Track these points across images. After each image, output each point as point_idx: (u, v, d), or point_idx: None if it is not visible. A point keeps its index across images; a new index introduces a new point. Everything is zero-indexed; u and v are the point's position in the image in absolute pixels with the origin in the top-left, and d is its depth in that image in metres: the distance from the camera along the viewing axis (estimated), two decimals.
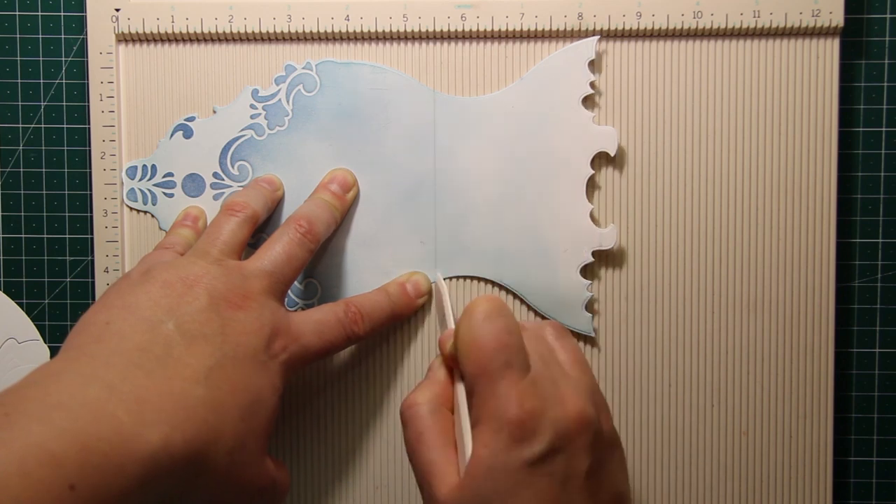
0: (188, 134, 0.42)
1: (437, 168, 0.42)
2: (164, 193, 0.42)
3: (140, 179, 0.42)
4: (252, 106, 0.42)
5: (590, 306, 0.42)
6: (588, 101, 0.41)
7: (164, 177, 0.42)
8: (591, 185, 0.42)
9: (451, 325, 0.37)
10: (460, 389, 0.33)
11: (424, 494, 0.33)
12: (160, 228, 0.42)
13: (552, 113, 0.41)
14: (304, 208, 0.40)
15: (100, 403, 0.30)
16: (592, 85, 0.41)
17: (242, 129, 0.42)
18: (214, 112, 0.42)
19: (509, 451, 0.30)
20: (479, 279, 0.42)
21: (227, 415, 0.32)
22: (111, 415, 0.29)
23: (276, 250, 0.37)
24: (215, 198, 0.42)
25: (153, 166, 0.42)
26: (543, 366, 0.32)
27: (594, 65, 0.41)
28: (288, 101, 0.42)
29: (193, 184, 0.42)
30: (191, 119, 0.42)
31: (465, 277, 0.42)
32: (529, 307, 0.42)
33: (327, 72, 0.42)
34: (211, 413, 0.32)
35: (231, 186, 0.42)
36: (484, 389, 0.31)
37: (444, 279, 0.42)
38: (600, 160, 0.42)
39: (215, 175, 0.42)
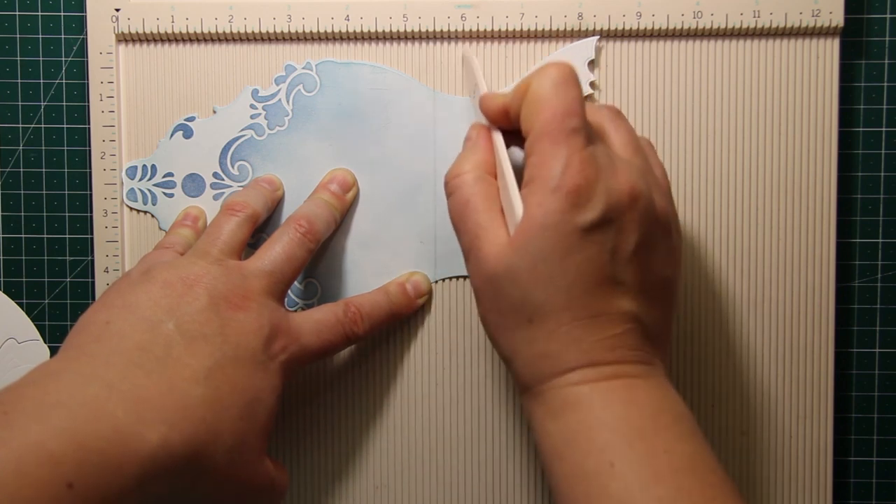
0: (188, 134, 0.42)
1: (437, 168, 0.42)
2: (164, 193, 0.42)
3: (140, 179, 0.42)
4: (252, 106, 0.42)
5: None
6: (588, 101, 0.41)
7: (164, 177, 0.42)
8: None
9: (484, 89, 0.36)
10: (503, 152, 0.33)
11: (471, 259, 0.33)
12: (160, 228, 0.42)
13: None
14: (303, 208, 0.40)
15: (99, 402, 0.30)
16: (592, 85, 0.41)
17: (242, 129, 0.42)
18: (214, 112, 0.42)
19: (563, 214, 0.31)
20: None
21: (226, 414, 0.32)
22: (110, 414, 0.29)
23: (276, 250, 0.37)
24: (215, 198, 0.42)
25: (153, 166, 0.42)
26: (601, 143, 0.33)
27: (594, 64, 0.41)
28: (288, 101, 0.42)
29: (193, 184, 0.42)
30: (191, 119, 0.42)
31: (464, 277, 0.42)
32: None
33: (327, 72, 0.42)
34: (210, 413, 0.32)
35: (231, 186, 0.42)
36: (546, 150, 0.31)
37: (444, 280, 0.42)
38: None
39: (215, 175, 0.42)
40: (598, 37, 0.41)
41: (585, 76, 0.41)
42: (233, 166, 0.42)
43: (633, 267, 0.32)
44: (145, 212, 0.42)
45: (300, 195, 0.41)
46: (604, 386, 0.31)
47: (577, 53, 0.41)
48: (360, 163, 0.42)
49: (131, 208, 0.42)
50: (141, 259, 0.38)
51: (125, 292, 0.34)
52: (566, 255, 0.31)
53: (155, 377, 0.31)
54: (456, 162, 0.35)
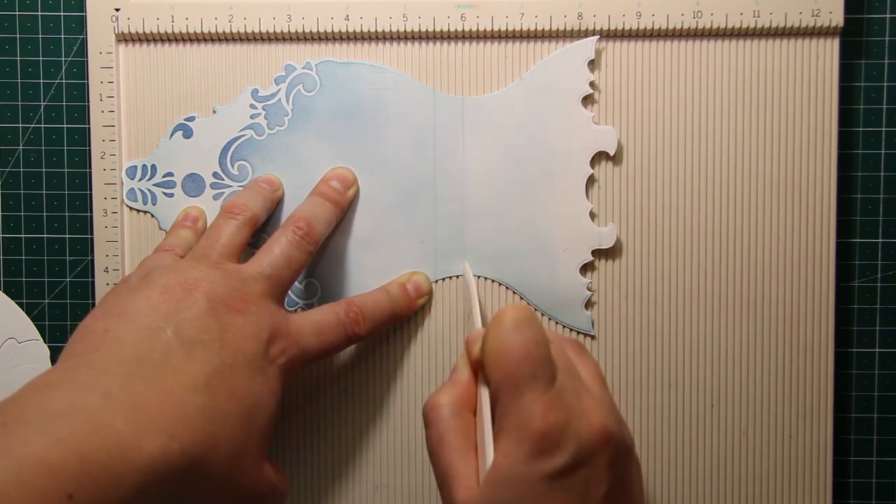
0: (188, 134, 0.42)
1: (437, 168, 0.42)
2: (164, 193, 0.42)
3: (140, 179, 0.42)
4: (252, 106, 0.42)
5: (589, 305, 0.42)
6: (588, 101, 0.41)
7: (163, 177, 0.42)
8: (591, 185, 0.42)
9: (478, 322, 0.36)
10: (484, 395, 0.33)
11: (444, 497, 0.33)
12: (160, 228, 0.42)
13: (552, 112, 0.41)
14: (303, 208, 0.39)
15: (99, 413, 0.30)
16: (592, 84, 0.41)
17: (242, 129, 0.42)
18: (214, 112, 0.42)
19: (531, 463, 0.30)
20: (480, 277, 0.42)
21: (225, 422, 0.32)
22: (110, 425, 0.29)
23: (275, 253, 0.37)
24: (215, 198, 0.42)
25: (153, 166, 0.42)
26: (568, 379, 0.32)
27: (594, 64, 0.41)
28: (288, 101, 0.42)
29: (193, 184, 0.42)
30: (191, 119, 0.42)
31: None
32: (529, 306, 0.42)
33: (327, 72, 0.42)
34: (209, 421, 0.32)
35: (231, 186, 0.42)
36: (509, 399, 0.31)
37: (444, 279, 0.42)
38: (600, 159, 0.42)
39: (215, 175, 0.42)
40: (597, 37, 0.41)
41: (585, 76, 0.41)
42: (233, 166, 0.42)
43: None
44: (145, 212, 0.42)
45: (300, 195, 0.41)
46: None
47: (576, 53, 0.41)
48: (360, 163, 0.42)
49: (131, 208, 0.42)
50: (140, 262, 0.38)
51: (124, 299, 0.34)
52: None
53: (154, 386, 0.31)
54: (437, 392, 0.34)
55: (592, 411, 0.31)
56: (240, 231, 0.38)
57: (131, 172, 0.42)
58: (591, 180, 0.42)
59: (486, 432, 0.32)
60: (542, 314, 0.42)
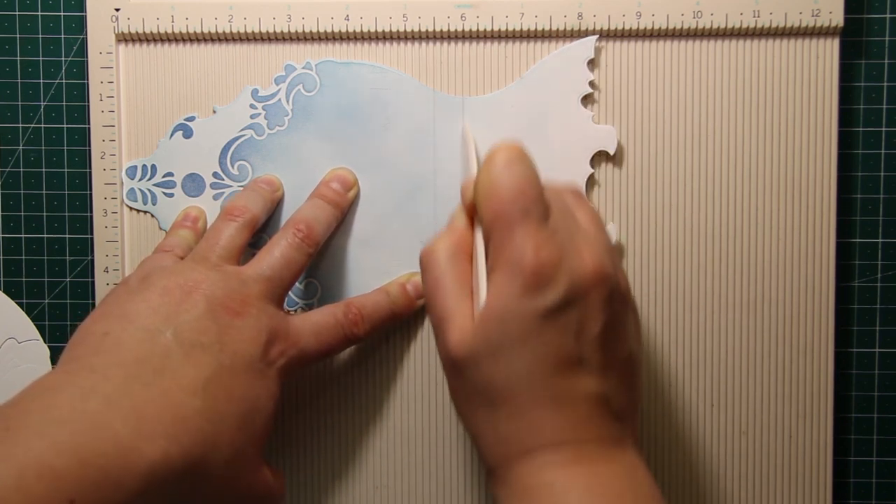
0: (188, 134, 0.42)
1: (437, 168, 0.42)
2: (164, 193, 0.42)
3: (140, 179, 0.42)
4: (252, 106, 0.42)
5: None
6: (587, 101, 0.41)
7: (163, 177, 0.42)
8: (591, 184, 0.42)
9: (473, 169, 0.36)
10: (478, 237, 0.33)
11: (438, 340, 0.33)
12: (160, 228, 0.42)
13: (551, 112, 0.41)
14: (303, 210, 0.39)
15: (99, 417, 0.30)
16: (592, 84, 0.41)
17: (242, 129, 0.42)
18: (214, 112, 0.42)
19: (522, 299, 0.30)
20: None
21: (224, 425, 0.32)
22: (110, 428, 0.29)
23: (275, 255, 0.37)
24: (215, 198, 0.42)
25: (153, 166, 0.42)
26: (561, 220, 0.32)
27: (593, 64, 0.41)
28: (288, 101, 0.42)
29: (193, 184, 0.42)
30: (191, 119, 0.42)
31: None
32: None
33: (327, 72, 0.42)
34: (208, 424, 0.32)
35: (231, 186, 0.42)
36: (500, 236, 0.31)
37: None
38: (600, 159, 0.42)
39: (215, 175, 0.42)
40: (596, 36, 0.41)
41: (584, 75, 0.41)
42: (233, 166, 0.42)
43: (599, 347, 0.31)
44: (145, 212, 0.42)
45: (300, 195, 0.41)
46: (566, 469, 0.30)
47: (576, 53, 0.41)
48: (360, 163, 0.42)
49: (131, 208, 0.42)
50: (140, 263, 0.38)
51: (123, 301, 0.34)
52: (526, 340, 0.30)
53: (153, 389, 0.31)
54: (433, 238, 0.34)
55: (586, 251, 0.31)
56: (240, 233, 0.38)
57: (131, 172, 0.42)
58: (591, 180, 0.42)
59: (480, 274, 0.32)
60: None
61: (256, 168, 0.42)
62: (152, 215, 0.42)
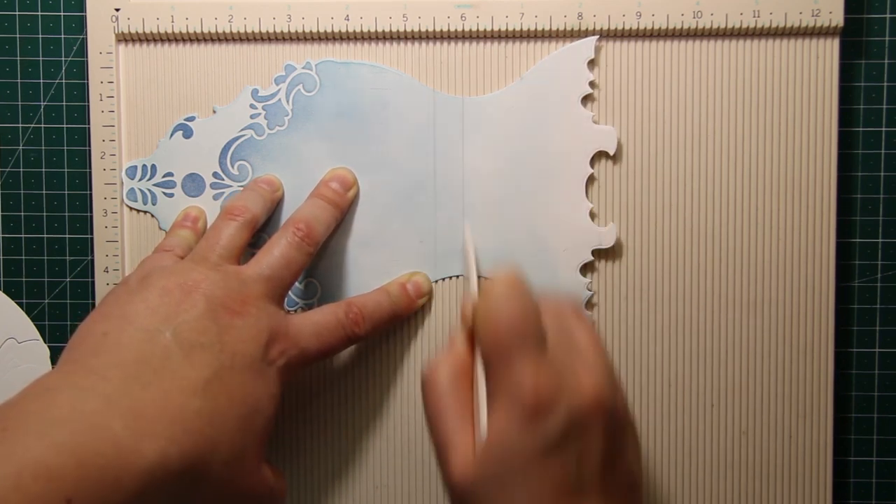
0: (188, 134, 0.42)
1: (437, 168, 0.42)
2: (164, 193, 0.42)
3: (140, 179, 0.42)
4: (252, 106, 0.42)
5: (589, 305, 0.42)
6: (587, 101, 0.41)
7: (163, 177, 0.42)
8: (591, 184, 0.42)
9: (474, 288, 0.36)
10: (479, 364, 0.33)
11: (440, 463, 0.33)
12: (160, 228, 0.42)
13: (551, 112, 0.41)
14: (303, 210, 0.39)
15: (98, 418, 0.30)
16: (592, 84, 0.41)
17: (242, 129, 0.42)
18: (214, 112, 0.42)
19: (523, 433, 0.30)
20: (480, 278, 0.42)
21: (224, 426, 0.32)
22: (108, 429, 0.29)
23: (275, 255, 0.37)
24: (215, 198, 0.42)
25: (153, 166, 0.42)
26: (560, 345, 0.32)
27: (593, 64, 0.41)
28: (288, 101, 0.42)
29: (193, 184, 0.42)
30: (191, 119, 0.42)
31: (464, 276, 0.42)
32: None
33: (327, 72, 0.42)
34: (208, 425, 0.32)
35: (231, 186, 0.42)
36: (499, 368, 0.31)
37: (444, 279, 0.42)
38: (600, 159, 0.42)
39: (215, 175, 0.42)
40: (597, 36, 0.41)
41: (585, 75, 0.41)
42: (233, 166, 0.42)
43: (600, 473, 0.31)
44: (145, 212, 0.42)
45: (300, 195, 0.41)
46: None
47: (576, 53, 0.41)
48: (360, 163, 0.42)
49: (131, 208, 0.42)
50: (140, 263, 0.38)
51: (123, 301, 0.34)
52: (527, 473, 0.30)
53: (153, 390, 0.31)
54: (434, 360, 0.34)
55: (584, 377, 0.31)
56: (240, 233, 0.38)
57: (131, 172, 0.42)
58: (591, 180, 0.42)
59: (481, 401, 0.32)
60: None
61: (256, 168, 0.42)
62: (152, 215, 0.42)
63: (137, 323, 0.33)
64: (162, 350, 0.33)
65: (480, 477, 0.31)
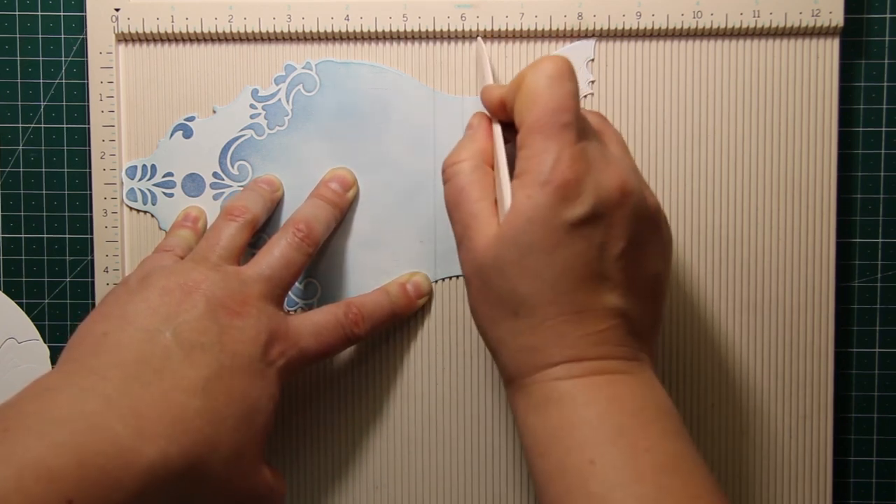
0: (188, 134, 0.42)
1: (437, 168, 0.42)
2: (164, 193, 0.42)
3: (140, 179, 0.42)
4: (252, 106, 0.42)
5: None
6: (587, 101, 0.41)
7: (163, 177, 0.42)
8: None
9: (490, 79, 0.36)
10: (499, 142, 0.33)
11: (462, 248, 0.34)
12: (160, 228, 0.42)
13: None
14: (302, 210, 0.39)
15: (98, 418, 0.30)
16: (592, 85, 0.41)
17: (242, 129, 0.42)
18: (214, 112, 0.42)
19: (552, 207, 0.31)
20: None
21: (224, 425, 0.32)
22: (109, 429, 0.29)
23: (275, 255, 0.37)
24: (215, 198, 0.42)
25: (153, 166, 0.42)
26: (594, 138, 0.33)
27: (593, 64, 0.41)
28: (288, 101, 0.42)
29: (193, 184, 0.42)
30: (191, 119, 0.42)
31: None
32: None
33: (327, 72, 0.42)
34: (208, 424, 0.32)
35: (231, 186, 0.42)
36: (537, 144, 0.31)
37: (444, 279, 0.42)
38: None
39: (215, 175, 0.42)
40: (595, 38, 0.41)
41: (584, 76, 0.41)
42: (233, 166, 0.42)
43: (622, 263, 0.32)
44: (145, 212, 0.42)
45: (300, 195, 0.41)
46: (587, 381, 0.31)
47: (576, 53, 0.41)
48: (360, 163, 0.42)
49: (131, 208, 0.42)
50: (140, 263, 0.38)
51: (123, 301, 0.34)
52: (553, 249, 0.31)
53: (153, 390, 0.31)
54: (455, 149, 0.35)
55: (614, 169, 0.32)
56: (240, 233, 0.38)
57: (131, 172, 0.42)
58: None
59: (503, 177, 0.32)
60: None
61: (256, 168, 0.42)
62: (152, 215, 0.42)
63: (137, 323, 0.33)
64: (162, 350, 0.33)
65: (506, 248, 0.31)
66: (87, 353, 0.32)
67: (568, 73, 0.32)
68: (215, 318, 0.34)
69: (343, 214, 0.41)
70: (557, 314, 0.31)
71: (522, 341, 0.32)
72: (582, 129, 0.32)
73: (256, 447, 0.34)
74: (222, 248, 0.37)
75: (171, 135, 0.42)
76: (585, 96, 0.41)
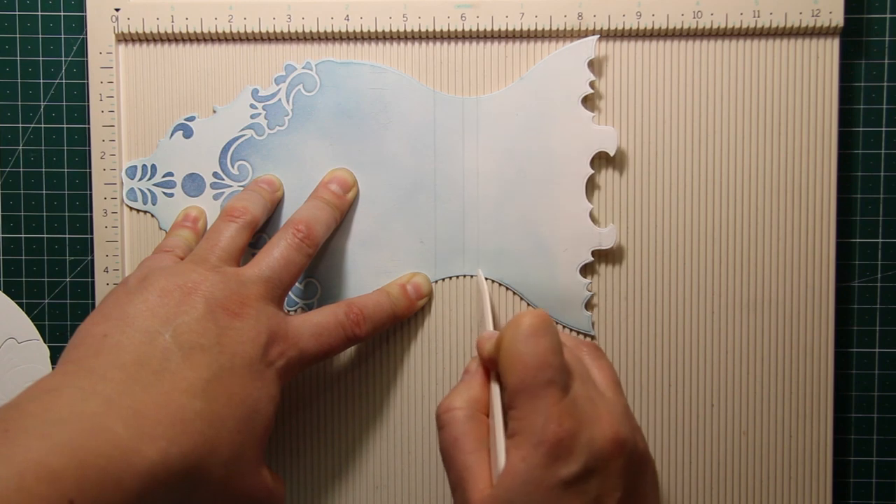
0: (188, 133, 0.42)
1: (437, 168, 0.42)
2: (164, 193, 0.42)
3: (140, 179, 0.42)
4: (252, 106, 0.42)
5: (589, 305, 0.42)
6: (588, 101, 0.41)
7: (163, 176, 0.42)
8: (591, 185, 0.42)
9: (490, 326, 0.37)
10: (496, 396, 0.33)
11: (457, 498, 0.33)
12: (160, 228, 0.42)
13: (552, 113, 0.41)
14: (302, 211, 0.39)
15: (98, 419, 0.30)
16: (592, 85, 0.41)
17: (242, 129, 0.42)
18: (214, 112, 0.42)
19: (545, 469, 0.30)
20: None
21: (224, 427, 0.32)
22: (109, 430, 0.29)
23: (274, 256, 0.37)
24: (215, 197, 0.42)
25: (153, 166, 0.42)
26: (581, 385, 0.32)
27: (594, 64, 0.41)
28: (288, 101, 0.42)
29: (193, 183, 0.42)
30: (191, 119, 0.42)
31: (465, 276, 0.42)
32: (529, 305, 0.42)
33: (327, 72, 0.42)
34: (207, 426, 0.32)
35: (231, 186, 0.42)
36: (524, 405, 0.31)
37: (444, 279, 0.42)
38: (600, 160, 0.42)
39: (215, 175, 0.42)
40: (597, 36, 0.41)
41: (585, 76, 0.41)
42: (233, 166, 0.42)
43: None
44: (145, 211, 0.42)
45: (300, 195, 0.41)
46: None
47: (576, 53, 0.41)
48: (360, 163, 0.42)
49: (131, 208, 0.42)
50: (140, 263, 0.38)
51: (123, 302, 0.34)
52: None
53: (153, 391, 0.31)
54: (450, 394, 0.35)
55: (605, 418, 0.32)
56: (239, 234, 0.38)
57: (131, 172, 0.42)
58: (591, 181, 0.42)
59: (499, 435, 0.32)
60: None
61: (256, 168, 0.42)
62: (152, 215, 0.42)
63: (137, 324, 0.33)
64: (162, 351, 0.33)
65: None
66: (87, 355, 0.32)
67: (544, 327, 0.32)
68: (215, 319, 0.34)
69: (343, 216, 0.41)
70: None
71: None
72: (566, 380, 0.32)
73: (256, 449, 0.34)
74: (222, 249, 0.37)
75: (172, 135, 0.42)
76: (585, 97, 0.41)
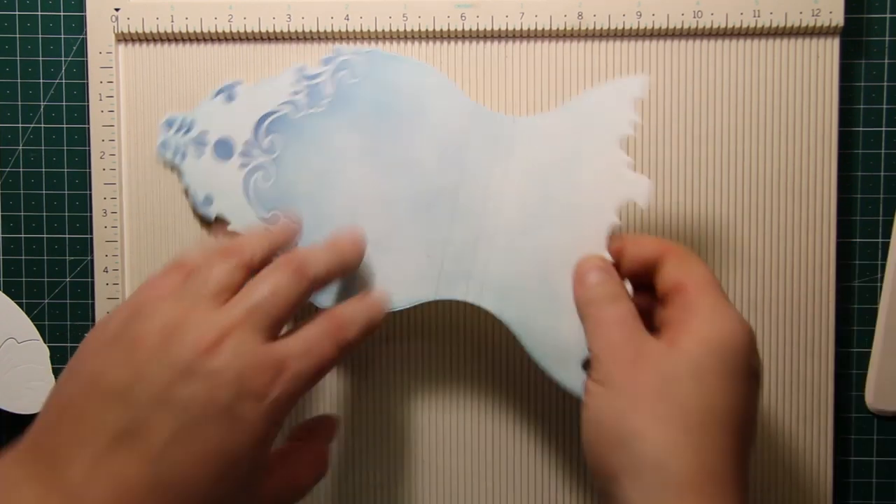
0: (230, 97, 0.41)
1: (462, 182, 0.39)
2: (195, 151, 0.41)
3: (176, 132, 0.41)
4: (297, 82, 0.40)
5: (587, 365, 0.36)
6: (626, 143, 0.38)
7: (199, 133, 0.41)
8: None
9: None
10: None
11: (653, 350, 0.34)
12: (180, 182, 0.41)
13: (587, 151, 0.37)
14: (301, 248, 0.37)
15: None
16: (635, 127, 0.37)
17: (281, 104, 0.40)
18: (260, 82, 0.41)
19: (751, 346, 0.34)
20: (479, 308, 0.39)
21: (193, 489, 0.30)
22: None
23: (261, 286, 0.34)
24: (242, 165, 0.40)
25: (192, 121, 0.41)
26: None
27: (636, 102, 0.37)
28: (330, 85, 0.40)
29: (224, 147, 0.40)
30: (238, 83, 0.41)
31: (464, 303, 0.40)
32: (525, 349, 0.38)
33: (374, 62, 0.40)
34: (172, 495, 0.30)
35: (257, 159, 0.40)
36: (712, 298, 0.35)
37: (445, 301, 0.39)
38: (627, 207, 0.41)
39: (246, 143, 0.40)
40: (648, 76, 0.41)
41: (629, 117, 0.37)
42: (265, 139, 0.40)
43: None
44: (172, 167, 0.41)
45: (324, 182, 0.39)
46: None
47: (624, 90, 0.37)
48: (386, 162, 0.39)
49: (161, 160, 0.41)
50: (137, 289, 0.34)
51: (93, 354, 0.32)
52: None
53: (111, 466, 0.30)
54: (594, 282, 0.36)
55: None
56: (236, 272, 0.34)
57: (169, 123, 0.41)
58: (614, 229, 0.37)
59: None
60: (533, 360, 0.37)
61: (286, 146, 0.40)
62: (178, 171, 0.41)
63: (102, 386, 0.31)
64: (126, 416, 0.30)
65: (712, 356, 0.33)
66: (46, 430, 0.31)
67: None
68: (188, 366, 0.31)
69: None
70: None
71: None
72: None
73: (243, 495, 0.32)
74: (214, 285, 0.33)
75: (216, 95, 0.41)
76: (628, 139, 0.37)
